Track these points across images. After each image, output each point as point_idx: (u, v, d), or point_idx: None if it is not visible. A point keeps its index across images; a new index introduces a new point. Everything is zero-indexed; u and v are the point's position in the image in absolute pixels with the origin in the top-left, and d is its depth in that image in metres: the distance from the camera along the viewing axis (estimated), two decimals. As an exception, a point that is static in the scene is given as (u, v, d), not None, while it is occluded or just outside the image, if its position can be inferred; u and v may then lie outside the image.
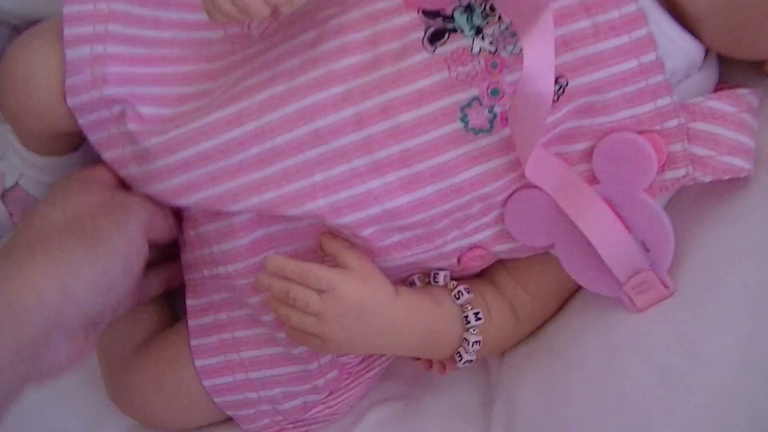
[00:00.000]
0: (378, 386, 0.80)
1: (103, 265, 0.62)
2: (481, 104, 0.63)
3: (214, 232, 0.71)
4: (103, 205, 0.66)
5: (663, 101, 0.62)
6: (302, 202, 0.66)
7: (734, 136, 0.63)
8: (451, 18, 0.63)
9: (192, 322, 0.75)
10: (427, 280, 0.72)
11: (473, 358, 0.70)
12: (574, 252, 0.66)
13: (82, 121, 0.70)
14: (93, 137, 0.70)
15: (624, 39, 0.61)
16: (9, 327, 0.56)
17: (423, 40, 0.63)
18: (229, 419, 0.78)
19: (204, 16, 0.62)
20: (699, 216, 0.66)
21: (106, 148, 0.70)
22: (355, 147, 0.65)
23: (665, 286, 0.65)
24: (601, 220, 0.63)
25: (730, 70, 0.69)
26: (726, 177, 0.63)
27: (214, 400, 0.76)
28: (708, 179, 0.63)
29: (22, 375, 0.57)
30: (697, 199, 0.67)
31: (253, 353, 0.74)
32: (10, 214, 0.84)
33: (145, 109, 0.69)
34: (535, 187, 0.64)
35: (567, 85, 0.61)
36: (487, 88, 0.63)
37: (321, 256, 0.69)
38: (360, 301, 0.65)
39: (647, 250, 0.65)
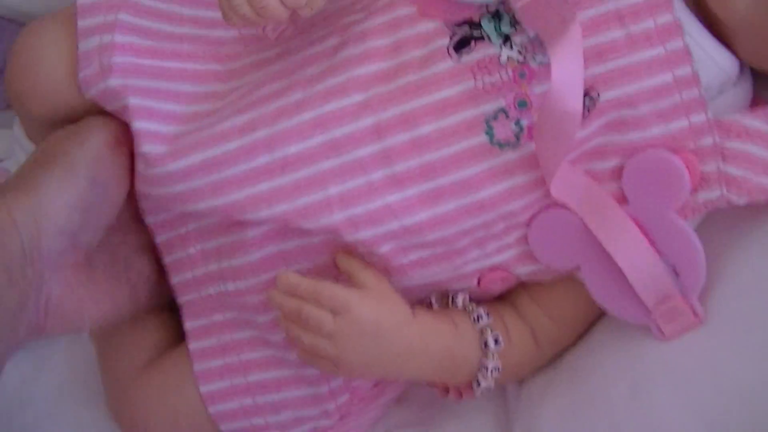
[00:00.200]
0: (392, 412, 0.77)
1: (67, 181, 0.63)
2: (507, 116, 0.60)
3: (224, 247, 0.69)
4: (66, 132, 0.67)
5: (697, 118, 0.59)
6: (316, 216, 0.63)
7: None
8: (478, 25, 0.61)
9: (193, 346, 0.72)
10: (445, 301, 0.69)
11: (492, 384, 0.67)
12: (601, 276, 0.63)
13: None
14: None
15: (659, 50, 0.58)
16: None
17: (448, 47, 0.61)
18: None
19: (219, 15, 0.60)
20: (733, 240, 0.64)
21: None
22: (374, 158, 0.62)
23: (695, 314, 0.62)
24: (631, 242, 0.61)
25: (762, 85, 0.66)
26: (762, 199, 0.60)
27: (220, 427, 0.72)
28: (743, 201, 0.61)
29: (18, 306, 0.58)
30: (731, 221, 0.64)
31: (260, 376, 0.71)
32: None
33: (150, 103, 0.67)
34: (562, 206, 0.62)
35: (598, 98, 0.59)
36: (514, 100, 0.60)
37: (336, 274, 0.67)
38: (376, 322, 0.62)
39: (677, 275, 0.62)
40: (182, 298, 0.73)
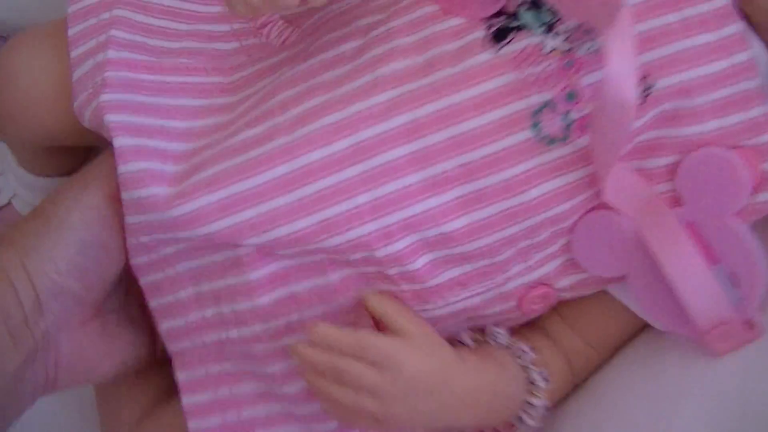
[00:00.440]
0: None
1: (63, 242, 0.59)
2: (554, 110, 0.55)
3: (223, 290, 0.61)
4: (65, 187, 0.62)
5: (756, 111, 0.54)
6: (344, 229, 0.56)
7: None
8: (515, 16, 0.55)
9: (187, 400, 0.64)
10: (480, 339, 0.63)
11: (540, 424, 0.61)
12: (649, 286, 0.58)
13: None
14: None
15: (714, 35, 0.54)
16: None
17: (484, 39, 0.55)
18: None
19: (217, 28, 0.56)
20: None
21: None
22: (408, 161, 0.56)
23: (751, 327, 0.57)
24: (686, 260, 0.55)
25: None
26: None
27: None
28: None
29: (23, 366, 0.57)
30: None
31: None
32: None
33: (150, 121, 0.60)
34: (608, 207, 0.56)
35: (653, 86, 0.54)
36: (562, 91, 0.54)
37: (353, 318, 0.60)
38: (427, 375, 0.56)
39: (735, 285, 0.56)
40: (174, 347, 0.64)
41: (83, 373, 0.63)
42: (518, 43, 0.55)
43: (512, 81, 0.55)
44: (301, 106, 0.58)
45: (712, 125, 0.55)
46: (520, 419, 0.61)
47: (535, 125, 0.55)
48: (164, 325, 0.64)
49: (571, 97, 0.55)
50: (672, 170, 0.56)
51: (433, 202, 0.56)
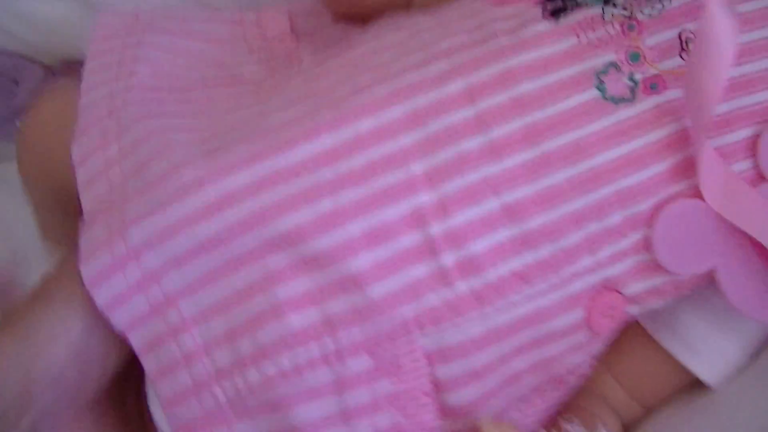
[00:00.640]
0: None
1: (60, 330, 0.53)
2: (619, 70, 0.51)
3: (244, 321, 0.52)
4: (63, 269, 0.55)
5: None
6: (396, 199, 0.50)
7: None
8: None
9: None
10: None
11: None
12: (741, 275, 0.51)
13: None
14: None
15: None
16: None
17: (542, 15, 0.53)
18: None
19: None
20: None
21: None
22: (466, 125, 0.50)
23: None
24: None
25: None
26: None
27: None
28: None
29: None
30: None
31: None
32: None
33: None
34: (689, 196, 0.51)
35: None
36: (626, 53, 0.51)
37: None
38: None
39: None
40: (179, 420, 0.54)
41: None
42: (577, 15, 0.53)
43: (573, 45, 0.52)
44: (347, 85, 0.53)
45: None
46: None
47: (599, 85, 0.51)
48: (164, 391, 0.53)
49: (635, 57, 0.51)
50: (751, 145, 0.51)
51: (494, 168, 0.50)
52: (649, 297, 0.53)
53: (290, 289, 0.51)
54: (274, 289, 0.51)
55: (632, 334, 0.58)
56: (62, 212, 0.63)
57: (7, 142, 0.80)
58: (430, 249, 0.50)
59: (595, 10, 0.52)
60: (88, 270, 0.52)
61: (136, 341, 0.53)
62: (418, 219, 0.50)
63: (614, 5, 0.52)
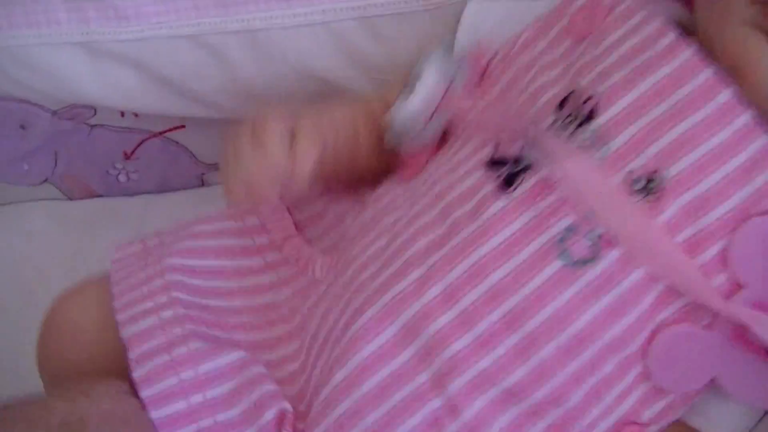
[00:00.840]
0: None
1: None
2: (577, 232, 0.53)
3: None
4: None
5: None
6: (413, 412, 0.55)
7: None
8: (520, 158, 0.56)
9: None
10: None
11: None
12: (744, 375, 0.54)
13: None
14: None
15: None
16: None
17: (495, 189, 0.56)
18: None
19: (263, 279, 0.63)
20: None
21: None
22: (451, 328, 0.55)
23: None
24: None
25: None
26: None
27: None
28: None
29: None
30: None
31: None
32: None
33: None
34: (676, 322, 0.54)
35: (665, 177, 0.52)
36: (582, 211, 0.53)
37: None
38: None
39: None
40: None
41: None
42: (528, 181, 0.55)
43: (530, 219, 0.54)
44: (347, 313, 0.58)
45: (737, 198, 0.52)
46: None
47: (562, 253, 0.53)
48: None
49: (591, 214, 0.53)
50: (722, 258, 0.53)
51: (486, 361, 0.54)
52: (663, 415, 0.57)
53: None
54: None
55: None
56: None
57: (15, 185, 0.88)
58: None
59: (546, 171, 0.54)
60: None
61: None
62: (433, 424, 0.55)
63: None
